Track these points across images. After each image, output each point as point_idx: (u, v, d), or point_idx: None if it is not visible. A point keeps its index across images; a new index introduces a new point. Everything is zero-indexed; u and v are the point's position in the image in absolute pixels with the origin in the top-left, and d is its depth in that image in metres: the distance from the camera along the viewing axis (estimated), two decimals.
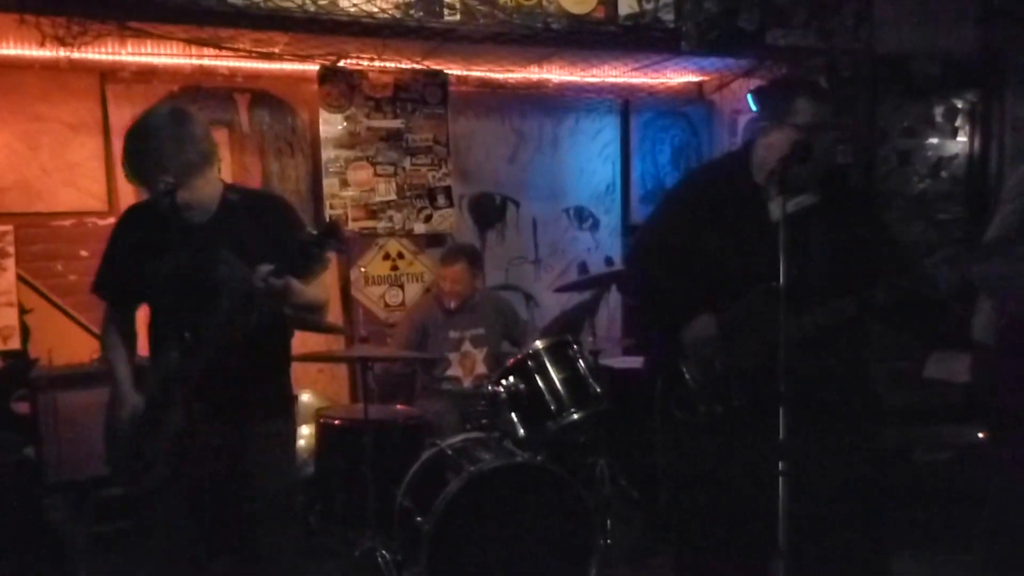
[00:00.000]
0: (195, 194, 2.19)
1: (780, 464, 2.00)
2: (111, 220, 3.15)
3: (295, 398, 3.75)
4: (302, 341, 4.10)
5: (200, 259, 2.15)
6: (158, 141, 2.14)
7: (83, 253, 4.00)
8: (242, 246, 2.18)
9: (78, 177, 4.04)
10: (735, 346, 2.27)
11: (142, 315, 2.37)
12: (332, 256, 2.26)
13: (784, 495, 2.00)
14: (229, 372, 2.13)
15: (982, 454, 3.15)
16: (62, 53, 3.56)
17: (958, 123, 4.65)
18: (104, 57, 3.88)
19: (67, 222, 4.04)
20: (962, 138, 4.65)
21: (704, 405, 2.29)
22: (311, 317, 2.37)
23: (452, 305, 4.03)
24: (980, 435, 3.28)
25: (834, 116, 2.37)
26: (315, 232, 2.01)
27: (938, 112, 4.60)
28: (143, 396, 2.26)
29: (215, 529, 2.19)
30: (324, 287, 2.33)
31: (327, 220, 4.19)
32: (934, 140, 4.61)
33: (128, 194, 3.80)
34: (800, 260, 2.12)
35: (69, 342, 3.94)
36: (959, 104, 4.63)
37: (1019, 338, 2.68)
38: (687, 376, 2.33)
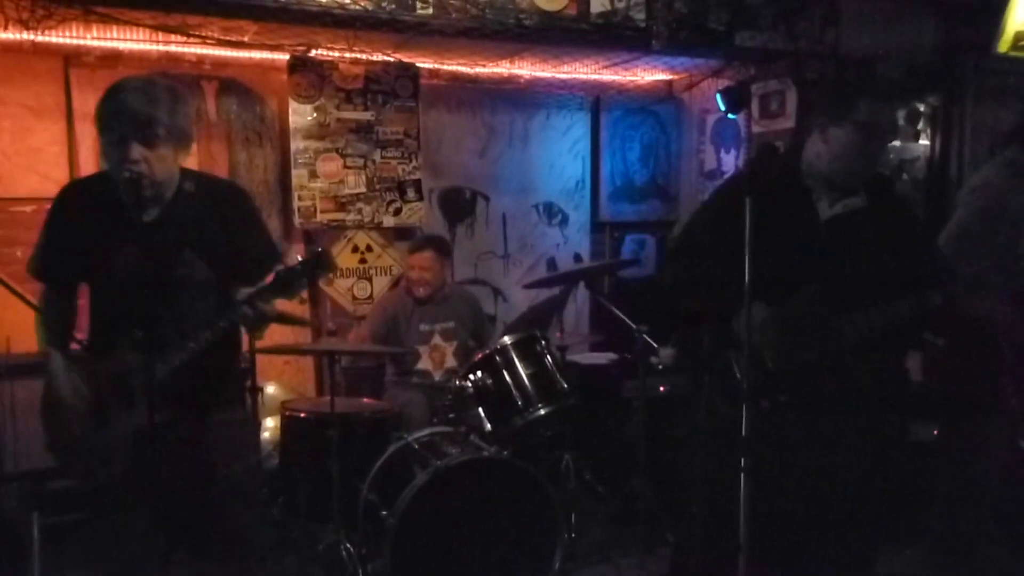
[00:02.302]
0: (163, 171, 2.06)
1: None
2: None
3: (260, 389, 3.74)
4: (267, 334, 4.07)
5: (155, 254, 2.06)
6: (160, 102, 2.00)
7: None
8: (199, 242, 2.11)
9: (39, 162, 3.95)
10: (785, 344, 2.23)
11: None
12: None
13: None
14: (188, 367, 2.08)
15: (934, 450, 3.22)
16: (26, 36, 3.49)
17: (920, 126, 4.74)
18: (68, 41, 3.80)
19: (27, 208, 3.93)
20: (924, 141, 4.75)
21: (752, 401, 2.19)
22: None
23: (421, 293, 4.02)
24: (935, 432, 3.36)
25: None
26: (304, 260, 2.03)
27: (901, 115, 4.69)
28: (86, 389, 2.15)
29: (176, 521, 2.15)
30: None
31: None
32: (896, 142, 4.69)
33: None
34: (849, 261, 2.09)
35: (27, 330, 3.80)
36: (921, 107, 4.72)
37: (969, 335, 2.76)
38: (735, 370, 2.25)
